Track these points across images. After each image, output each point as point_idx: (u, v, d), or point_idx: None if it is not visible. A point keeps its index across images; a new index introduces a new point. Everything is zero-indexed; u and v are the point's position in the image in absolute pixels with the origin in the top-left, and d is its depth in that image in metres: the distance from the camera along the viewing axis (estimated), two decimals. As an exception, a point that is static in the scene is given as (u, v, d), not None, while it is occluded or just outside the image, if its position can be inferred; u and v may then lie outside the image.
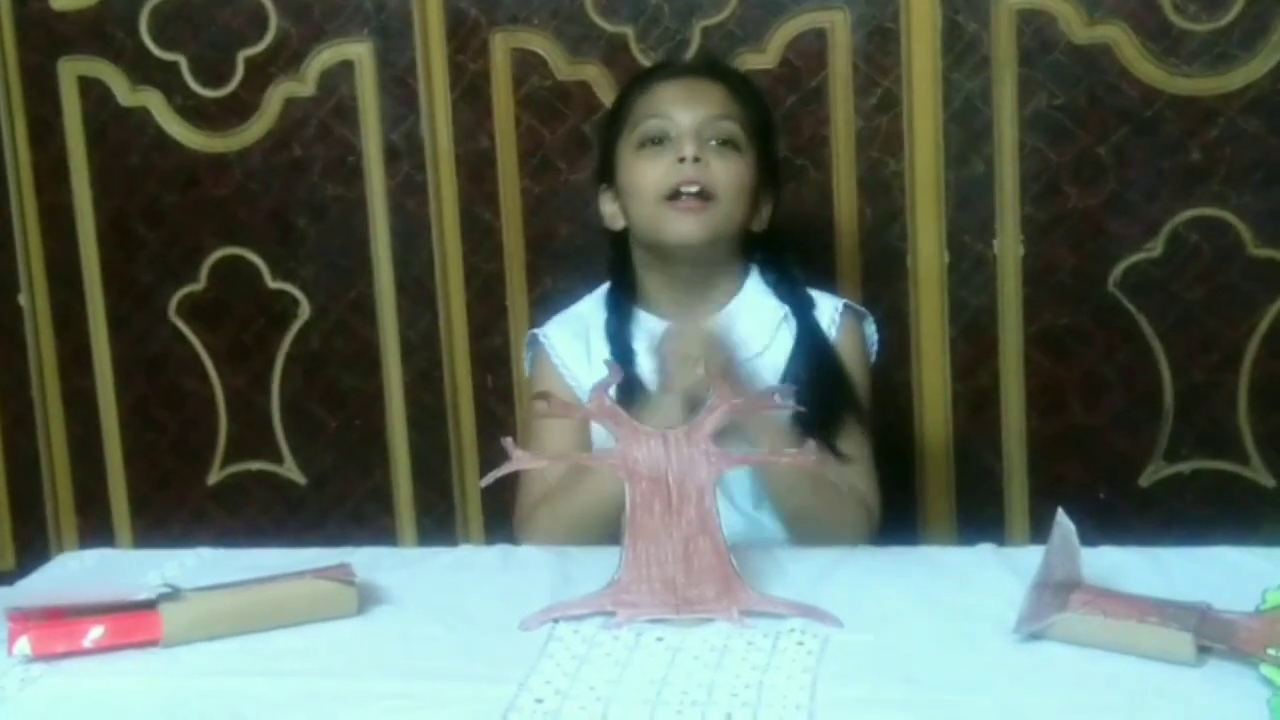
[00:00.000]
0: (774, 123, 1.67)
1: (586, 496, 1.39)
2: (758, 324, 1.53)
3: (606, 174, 1.59)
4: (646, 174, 1.50)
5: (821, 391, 1.46)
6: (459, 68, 2.03)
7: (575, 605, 1.16)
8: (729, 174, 1.50)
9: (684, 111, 1.50)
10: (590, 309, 1.60)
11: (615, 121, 1.58)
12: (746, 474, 1.47)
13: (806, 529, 1.43)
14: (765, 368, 1.48)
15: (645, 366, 1.48)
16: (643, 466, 1.15)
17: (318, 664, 1.10)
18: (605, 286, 1.61)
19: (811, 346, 1.52)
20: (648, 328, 1.53)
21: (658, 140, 1.51)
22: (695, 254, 1.52)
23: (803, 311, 1.54)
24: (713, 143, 1.50)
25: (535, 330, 1.63)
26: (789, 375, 1.48)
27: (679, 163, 1.48)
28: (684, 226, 1.49)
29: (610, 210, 1.58)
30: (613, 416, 1.16)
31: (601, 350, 1.53)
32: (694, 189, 1.48)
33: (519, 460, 1.17)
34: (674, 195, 1.48)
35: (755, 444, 1.30)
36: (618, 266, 1.60)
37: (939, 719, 0.96)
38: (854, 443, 1.49)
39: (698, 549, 1.15)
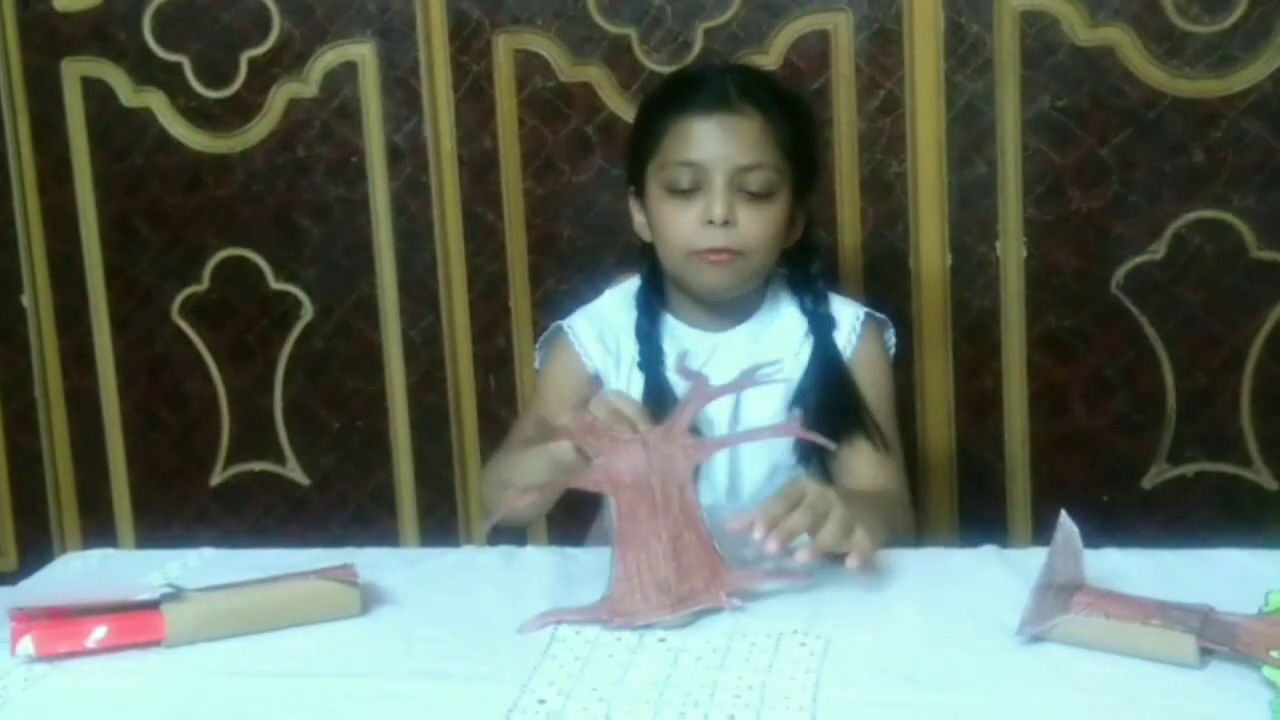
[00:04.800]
0: (816, 134, 1.58)
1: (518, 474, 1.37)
2: (781, 338, 1.52)
3: (635, 183, 1.53)
4: (675, 225, 1.45)
5: (831, 413, 1.45)
6: (462, 69, 2.03)
7: (571, 614, 1.16)
8: (759, 228, 1.44)
9: (716, 159, 1.43)
10: (614, 306, 1.57)
11: (643, 139, 1.50)
12: (722, 466, 1.47)
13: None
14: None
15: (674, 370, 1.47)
16: (626, 475, 1.15)
17: (320, 664, 1.10)
18: (629, 284, 1.58)
19: (825, 368, 1.50)
20: (676, 335, 1.52)
21: (688, 188, 1.45)
22: (723, 298, 1.50)
23: (821, 332, 1.52)
24: (745, 190, 1.44)
25: (561, 322, 1.57)
26: (801, 393, 1.48)
27: (708, 224, 1.43)
28: (712, 278, 1.46)
29: (640, 220, 1.53)
30: (591, 432, 1.17)
31: (625, 347, 1.51)
32: (723, 251, 1.44)
33: (510, 500, 1.27)
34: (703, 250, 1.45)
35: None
36: (648, 268, 1.56)
37: (941, 720, 0.96)
38: (879, 454, 1.48)
39: (685, 544, 1.15)
